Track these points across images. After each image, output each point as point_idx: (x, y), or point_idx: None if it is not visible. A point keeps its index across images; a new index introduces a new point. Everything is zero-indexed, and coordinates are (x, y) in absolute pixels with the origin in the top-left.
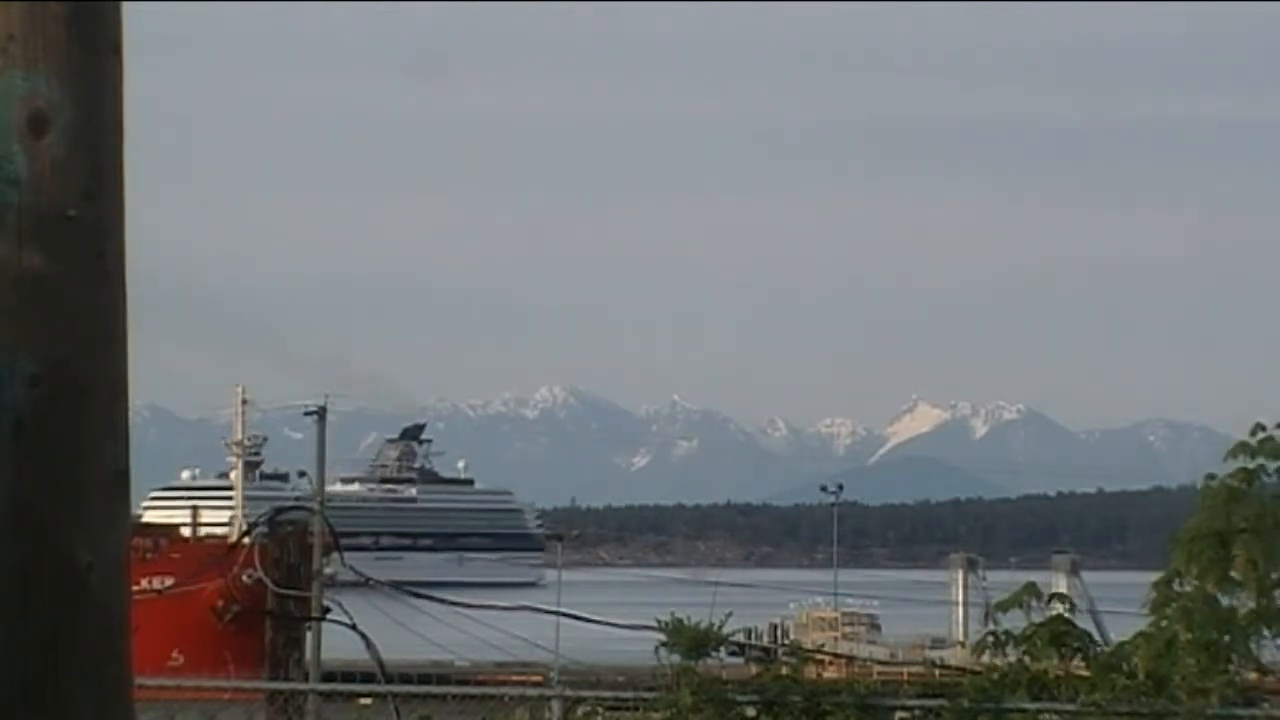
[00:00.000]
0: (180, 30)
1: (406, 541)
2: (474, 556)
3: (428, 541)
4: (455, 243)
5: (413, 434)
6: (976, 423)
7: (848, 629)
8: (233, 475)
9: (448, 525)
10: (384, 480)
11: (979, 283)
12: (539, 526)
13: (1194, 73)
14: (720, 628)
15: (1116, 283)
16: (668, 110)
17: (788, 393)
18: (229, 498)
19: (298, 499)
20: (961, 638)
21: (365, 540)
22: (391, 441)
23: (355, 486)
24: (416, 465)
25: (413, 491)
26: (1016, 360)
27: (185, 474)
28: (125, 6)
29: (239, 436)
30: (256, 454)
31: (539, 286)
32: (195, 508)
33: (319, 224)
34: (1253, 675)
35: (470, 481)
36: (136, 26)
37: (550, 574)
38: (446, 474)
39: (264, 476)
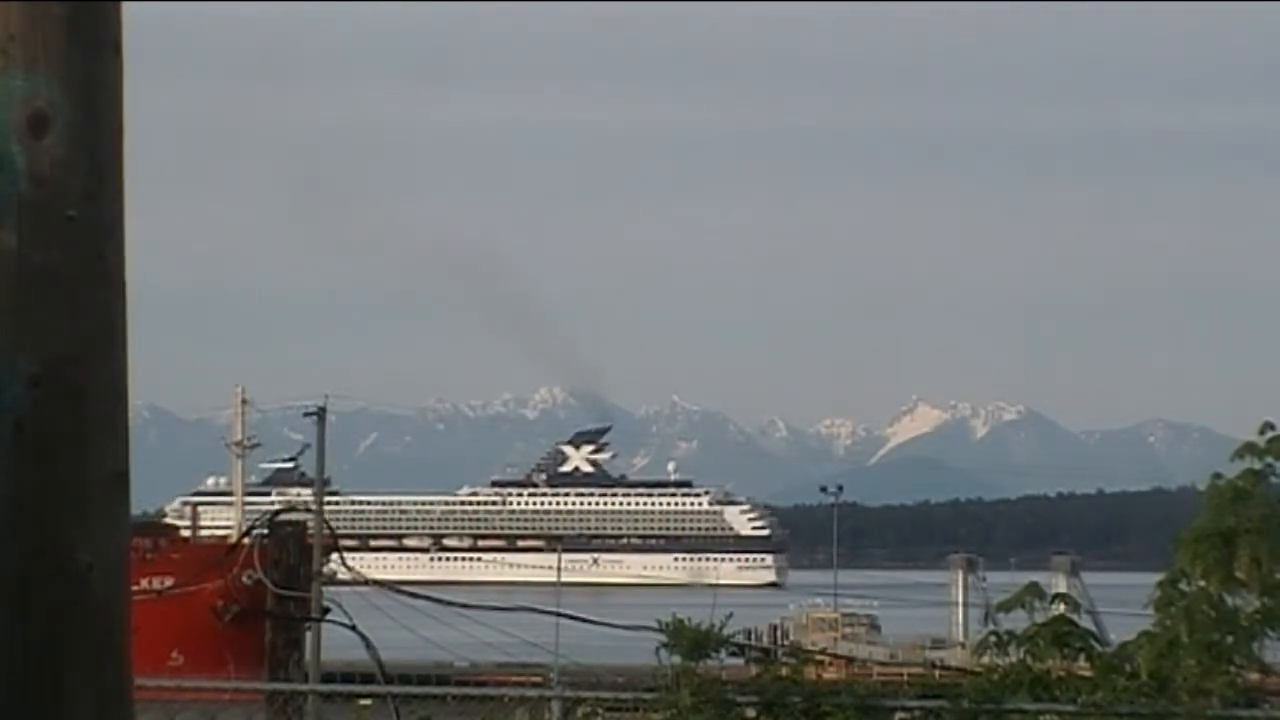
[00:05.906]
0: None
1: (500, 544)
2: (615, 558)
3: (537, 544)
4: (456, 244)
5: (588, 437)
6: (976, 423)
7: (847, 630)
8: (234, 479)
9: (569, 526)
10: (510, 484)
11: (979, 283)
12: (758, 527)
13: (1196, 78)
14: (721, 629)
15: (1117, 283)
16: (668, 113)
17: (788, 393)
18: (260, 503)
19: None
20: (961, 638)
21: (413, 542)
22: (559, 444)
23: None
24: (566, 469)
25: (494, 495)
26: (1016, 360)
27: (210, 480)
28: (125, 6)
29: (238, 437)
30: (293, 460)
31: (539, 286)
32: (196, 506)
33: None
34: (1255, 676)
35: (686, 484)
36: (136, 26)
37: (794, 576)
38: (632, 475)
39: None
